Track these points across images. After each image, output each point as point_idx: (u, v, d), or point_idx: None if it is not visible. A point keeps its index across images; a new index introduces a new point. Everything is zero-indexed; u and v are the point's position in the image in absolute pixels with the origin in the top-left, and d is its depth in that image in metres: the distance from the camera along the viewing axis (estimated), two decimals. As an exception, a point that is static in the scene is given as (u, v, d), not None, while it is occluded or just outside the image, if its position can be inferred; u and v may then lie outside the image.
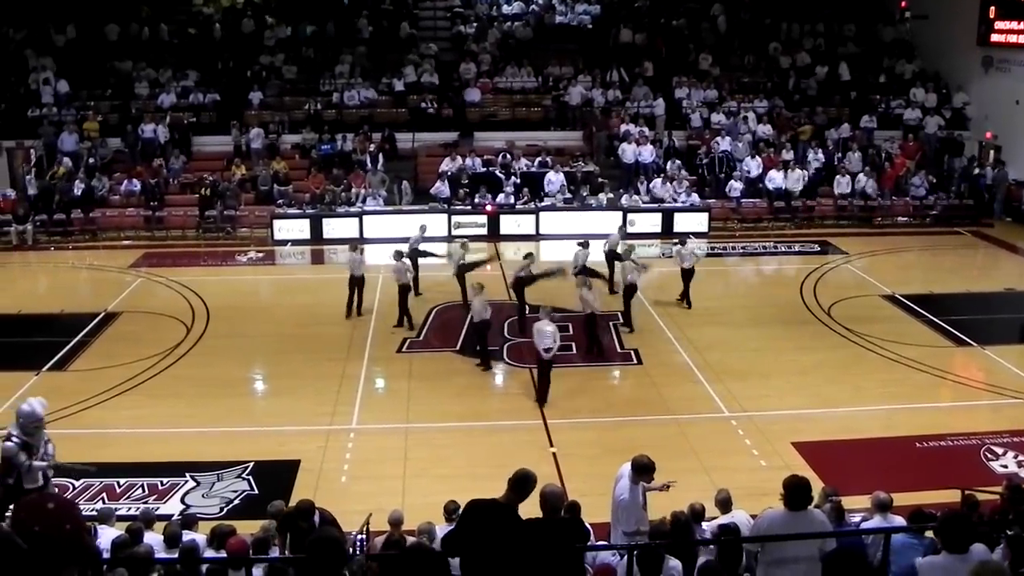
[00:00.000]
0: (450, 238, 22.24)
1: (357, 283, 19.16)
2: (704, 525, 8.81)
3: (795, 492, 6.72)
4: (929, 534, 7.51)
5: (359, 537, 9.55)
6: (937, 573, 6.05)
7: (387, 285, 19.50)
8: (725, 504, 9.35)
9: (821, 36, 33.09)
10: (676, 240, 20.75)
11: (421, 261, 19.88)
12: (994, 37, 28.80)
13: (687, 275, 19.67)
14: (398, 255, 18.73)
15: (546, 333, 14.84)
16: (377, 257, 20.66)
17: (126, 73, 30.27)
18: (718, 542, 7.76)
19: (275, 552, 8.14)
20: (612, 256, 20.36)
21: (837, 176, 27.62)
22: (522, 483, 6.63)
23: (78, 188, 26.03)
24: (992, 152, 28.88)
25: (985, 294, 21.19)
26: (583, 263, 19.26)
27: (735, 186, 27.16)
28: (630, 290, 18.48)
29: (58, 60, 29.99)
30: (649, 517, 8.68)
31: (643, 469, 8.54)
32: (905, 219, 27.63)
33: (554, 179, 26.70)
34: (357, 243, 20.75)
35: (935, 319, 18.94)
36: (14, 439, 9.71)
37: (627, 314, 18.52)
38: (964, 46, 29.92)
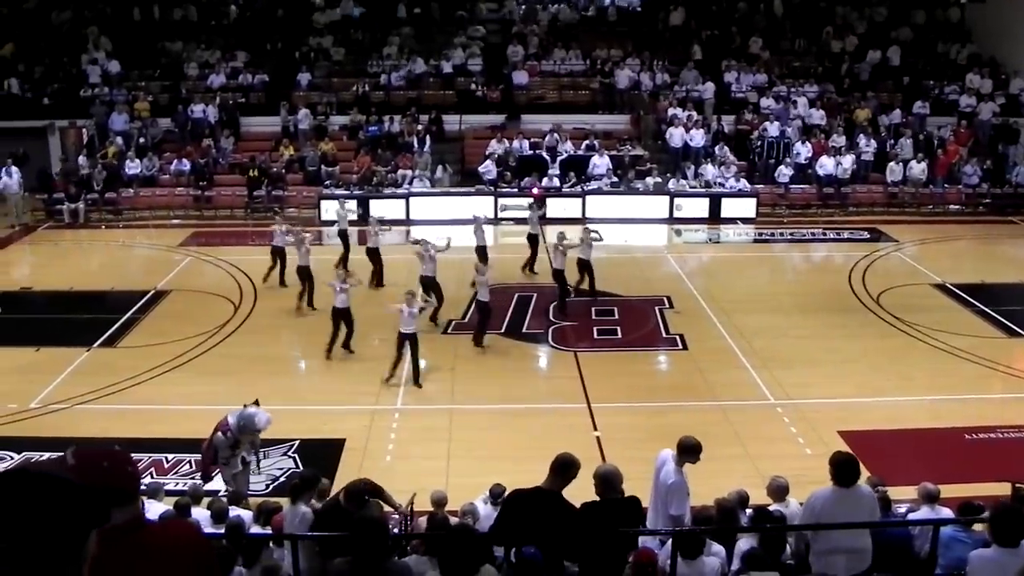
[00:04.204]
0: (496, 219, 22.09)
1: (303, 273, 18.72)
2: (750, 512, 8.70)
3: (842, 468, 6.63)
4: (978, 527, 7.38)
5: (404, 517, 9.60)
6: (988, 566, 5.96)
7: (414, 268, 18.59)
8: (780, 492, 9.09)
9: (874, 20, 32.51)
10: (589, 228, 19.49)
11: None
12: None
13: (586, 266, 18.84)
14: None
15: (406, 314, 14.96)
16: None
17: (176, 54, 30.62)
18: (763, 529, 7.67)
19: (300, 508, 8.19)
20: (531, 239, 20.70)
21: (889, 163, 27.21)
22: (565, 468, 6.57)
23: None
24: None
25: (1039, 284, 20.74)
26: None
27: (784, 171, 26.86)
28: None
29: (110, 41, 30.34)
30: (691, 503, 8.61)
31: (690, 450, 8.30)
32: (957, 207, 27.16)
33: (599, 163, 26.56)
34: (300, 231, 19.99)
35: (986, 309, 18.59)
36: (228, 434, 10.77)
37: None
38: (1021, 30, 29.25)
